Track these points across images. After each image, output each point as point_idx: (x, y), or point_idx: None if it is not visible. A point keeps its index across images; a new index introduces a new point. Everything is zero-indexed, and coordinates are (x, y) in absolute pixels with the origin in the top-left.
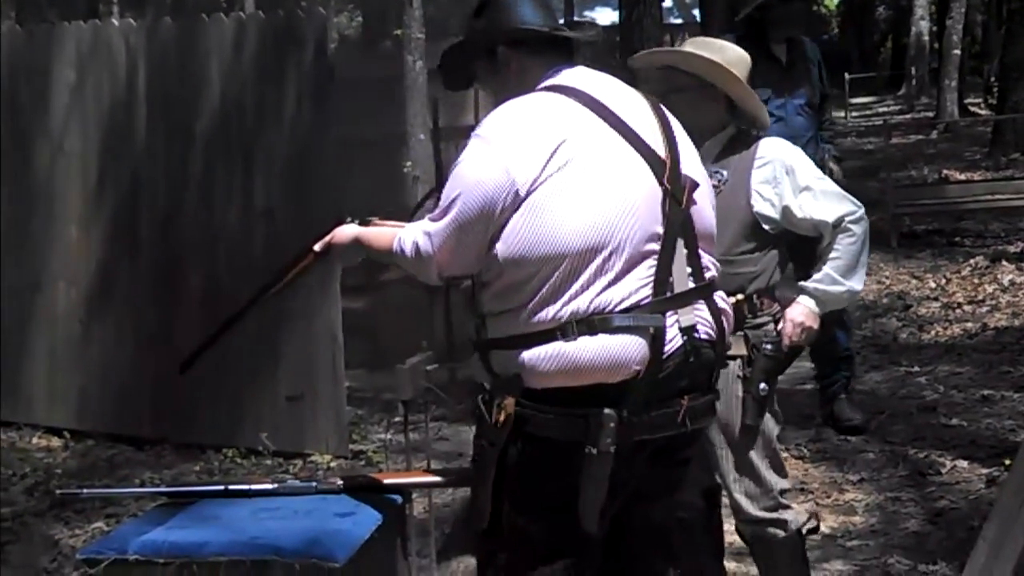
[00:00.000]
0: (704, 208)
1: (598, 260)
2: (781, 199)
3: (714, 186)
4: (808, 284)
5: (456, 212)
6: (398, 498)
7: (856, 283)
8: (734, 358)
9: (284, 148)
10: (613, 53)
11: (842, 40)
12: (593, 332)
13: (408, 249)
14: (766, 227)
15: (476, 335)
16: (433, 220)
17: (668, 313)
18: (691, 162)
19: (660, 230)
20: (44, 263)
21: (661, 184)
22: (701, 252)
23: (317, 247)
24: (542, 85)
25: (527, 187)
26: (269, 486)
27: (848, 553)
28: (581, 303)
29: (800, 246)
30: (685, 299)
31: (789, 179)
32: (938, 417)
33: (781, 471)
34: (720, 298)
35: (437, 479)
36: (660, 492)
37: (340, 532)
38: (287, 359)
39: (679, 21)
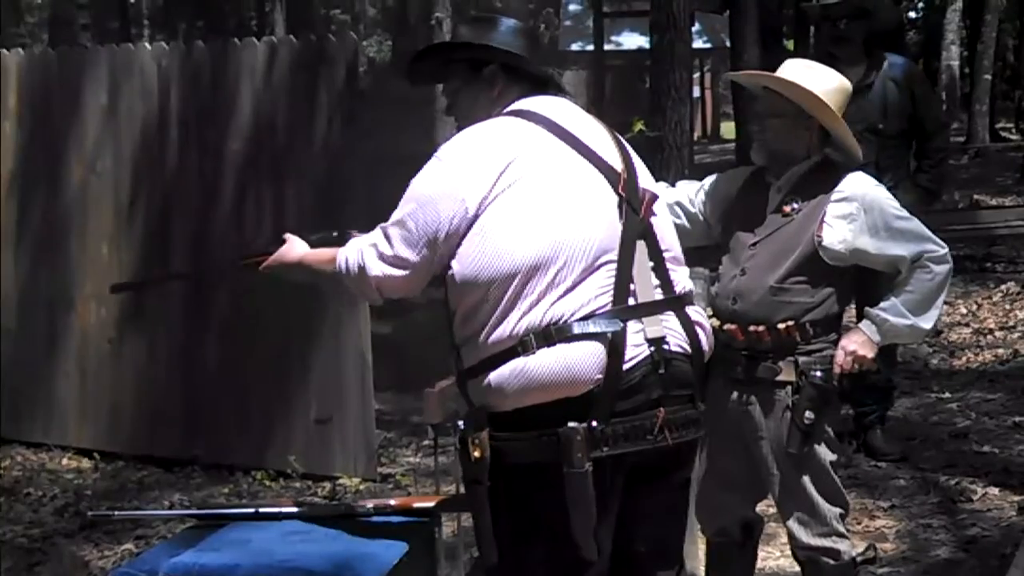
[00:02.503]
0: (664, 222)
1: (551, 272)
2: (855, 236)
3: (785, 214)
4: (872, 310)
5: (407, 231)
6: (427, 521)
7: (924, 321)
8: (784, 385)
9: (315, 169)
10: (642, 77)
11: None
12: (551, 343)
13: (351, 263)
14: (829, 261)
15: (454, 367)
16: (383, 237)
17: (630, 321)
18: (647, 179)
19: (617, 238)
20: (76, 281)
21: (616, 193)
22: (669, 266)
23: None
24: (504, 111)
25: (476, 207)
26: (299, 509)
27: None
28: (536, 316)
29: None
30: (650, 309)
31: (867, 217)
32: (970, 444)
33: (837, 499)
34: (695, 312)
35: (462, 503)
36: (663, 514)
37: (370, 555)
38: (316, 382)
39: (708, 46)
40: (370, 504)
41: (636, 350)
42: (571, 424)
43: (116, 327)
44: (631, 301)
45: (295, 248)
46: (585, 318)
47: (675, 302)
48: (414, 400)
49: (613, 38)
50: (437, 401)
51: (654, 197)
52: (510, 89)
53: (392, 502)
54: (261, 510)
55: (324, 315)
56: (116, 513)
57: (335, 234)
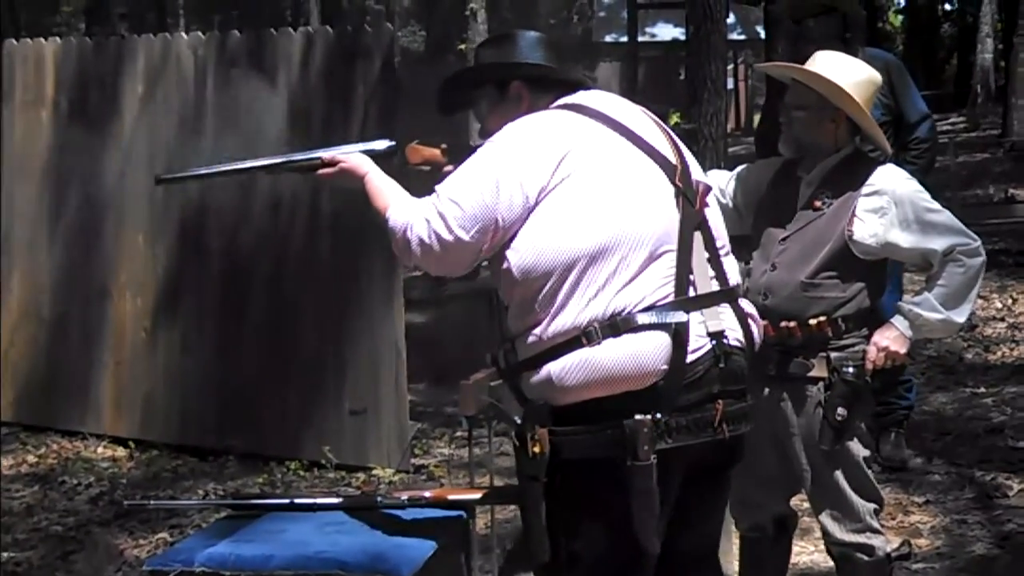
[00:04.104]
0: (715, 214)
1: (612, 262)
2: (886, 231)
3: (816, 208)
4: (904, 305)
5: (461, 211)
6: (462, 514)
7: (957, 315)
8: (815, 381)
9: None
10: (677, 69)
11: (907, 57)
12: (617, 333)
13: (400, 227)
14: (860, 255)
15: (506, 362)
16: (436, 215)
17: (693, 313)
18: (698, 171)
19: (675, 229)
20: (111, 272)
21: (672, 184)
22: (722, 258)
23: (327, 156)
24: (552, 106)
25: (536, 197)
26: (334, 500)
27: None
28: (599, 306)
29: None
30: (708, 301)
31: (898, 210)
32: (1005, 439)
33: (870, 495)
34: (747, 304)
35: (500, 495)
36: (709, 512)
37: (405, 547)
38: (351, 373)
39: (742, 37)
40: (405, 496)
41: (699, 342)
42: (638, 416)
43: (151, 317)
44: (691, 292)
45: (363, 164)
46: (648, 309)
47: (730, 294)
48: (448, 392)
49: (647, 30)
50: (472, 393)
51: (708, 189)
52: (539, 100)
53: (427, 494)
54: (296, 501)
55: (359, 306)
56: (151, 502)
57: (390, 143)
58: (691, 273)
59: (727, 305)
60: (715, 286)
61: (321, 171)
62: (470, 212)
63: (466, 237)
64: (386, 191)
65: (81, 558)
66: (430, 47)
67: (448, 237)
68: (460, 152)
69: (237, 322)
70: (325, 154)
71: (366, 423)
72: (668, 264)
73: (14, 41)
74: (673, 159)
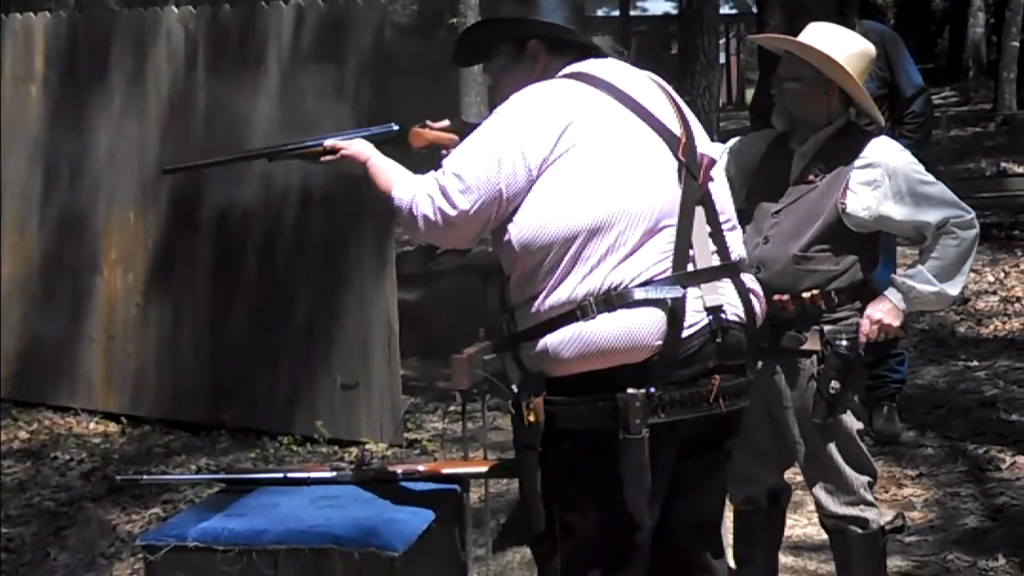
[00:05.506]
0: (720, 187)
1: (611, 237)
2: (879, 203)
3: (809, 181)
4: (897, 277)
5: (465, 185)
6: (456, 488)
7: (951, 288)
8: (808, 354)
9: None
10: (667, 44)
11: (899, 31)
12: (611, 308)
13: (406, 204)
14: (853, 228)
15: (507, 331)
16: (438, 190)
17: (690, 288)
18: (704, 142)
19: (676, 203)
20: (102, 247)
21: (676, 158)
22: (725, 232)
23: (329, 143)
24: (559, 74)
25: (537, 169)
26: (328, 474)
27: (907, 549)
28: (595, 280)
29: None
30: (708, 276)
31: (891, 183)
32: (997, 412)
33: (864, 468)
34: (749, 279)
35: (493, 469)
36: (708, 486)
37: (398, 521)
38: (343, 347)
39: (734, 12)
40: (399, 469)
41: (695, 317)
42: (630, 390)
43: (143, 292)
44: (690, 267)
45: (364, 150)
46: (645, 283)
47: (731, 268)
48: (440, 366)
49: (639, 3)
50: (465, 367)
51: (712, 162)
52: (554, 62)
53: (421, 468)
54: (289, 475)
55: (351, 281)
56: (144, 477)
57: (396, 127)
58: (691, 248)
59: (728, 280)
60: (716, 261)
61: (323, 158)
62: (473, 185)
63: (470, 211)
64: (389, 172)
65: (73, 533)
66: (421, 21)
67: (452, 212)
68: (464, 132)
69: (229, 297)
70: (328, 141)
71: (359, 397)
72: (667, 239)
73: (3, 15)
74: (678, 131)
